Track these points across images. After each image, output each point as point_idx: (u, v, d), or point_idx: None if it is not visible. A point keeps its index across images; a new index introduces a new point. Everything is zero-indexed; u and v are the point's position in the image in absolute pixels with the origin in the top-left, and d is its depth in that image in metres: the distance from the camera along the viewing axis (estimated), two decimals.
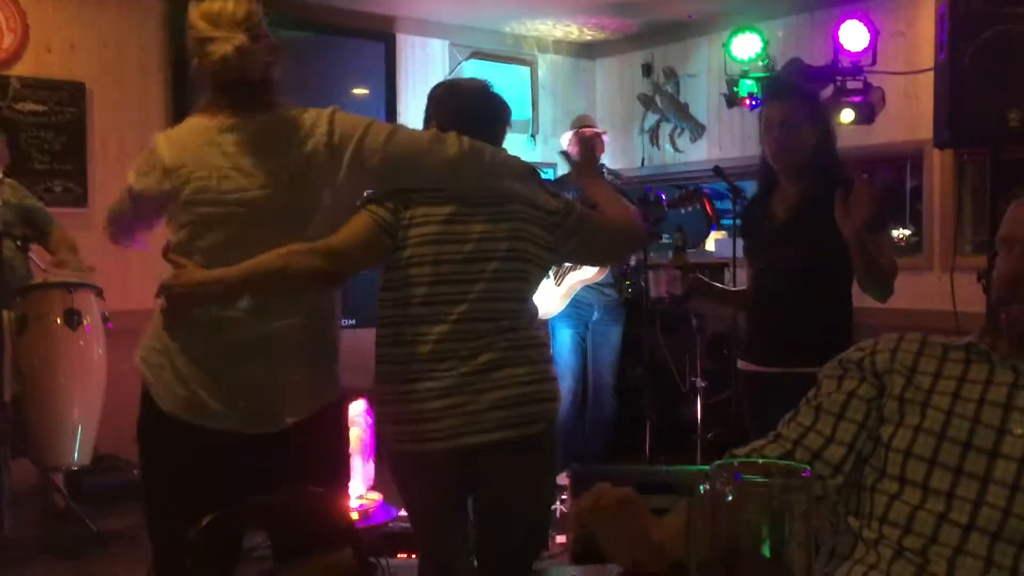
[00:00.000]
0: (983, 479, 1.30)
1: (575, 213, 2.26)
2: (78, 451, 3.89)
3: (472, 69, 6.22)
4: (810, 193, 2.73)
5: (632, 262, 5.08)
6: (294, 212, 2.05)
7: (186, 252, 2.02)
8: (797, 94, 2.99)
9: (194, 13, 2.19)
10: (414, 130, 2.22)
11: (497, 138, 2.29)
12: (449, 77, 6.07)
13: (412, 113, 5.97)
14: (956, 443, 1.33)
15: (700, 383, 4.64)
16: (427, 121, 2.32)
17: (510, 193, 2.19)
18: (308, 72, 5.37)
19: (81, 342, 3.94)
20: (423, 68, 6.07)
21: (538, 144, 6.57)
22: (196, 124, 2.11)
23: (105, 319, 4.08)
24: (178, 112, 5.13)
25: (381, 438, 2.25)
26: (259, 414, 2.02)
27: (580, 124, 5.04)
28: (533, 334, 2.21)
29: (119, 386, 4.45)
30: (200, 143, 2.06)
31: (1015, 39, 3.33)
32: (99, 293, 4.08)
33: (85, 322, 3.92)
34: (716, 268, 4.81)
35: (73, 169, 4.95)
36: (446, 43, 6.16)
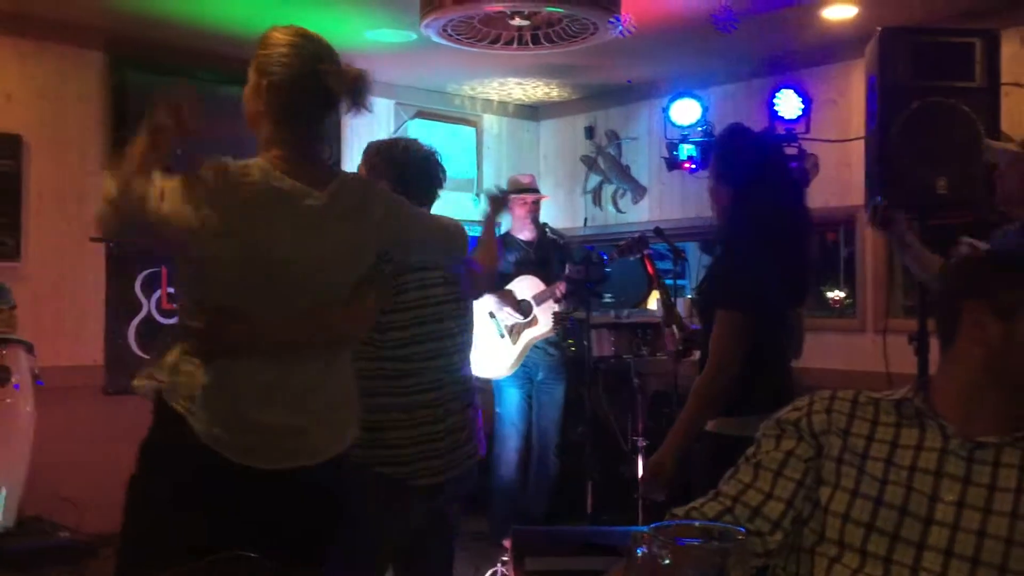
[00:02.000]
0: (919, 545, 1.32)
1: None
2: (1, 513, 3.74)
3: (417, 128, 6.26)
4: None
5: (569, 322, 5.12)
6: None
7: None
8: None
9: None
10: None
11: (432, 192, 2.61)
12: (395, 135, 6.11)
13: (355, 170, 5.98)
14: (892, 509, 1.34)
15: (641, 442, 4.65)
16: (369, 173, 2.43)
17: None
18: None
19: (8, 399, 3.82)
20: (368, 126, 6.08)
21: (482, 202, 6.61)
22: None
23: (35, 376, 3.96)
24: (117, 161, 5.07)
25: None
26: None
27: (516, 186, 5.07)
28: None
29: (49, 444, 4.32)
30: None
31: (941, 110, 3.47)
32: (29, 349, 3.97)
33: (13, 379, 3.81)
34: (656, 327, 4.85)
35: (7, 222, 4.84)
36: (391, 102, 6.20)
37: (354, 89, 2.03)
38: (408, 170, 2.43)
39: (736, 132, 3.03)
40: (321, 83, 1.99)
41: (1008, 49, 4.08)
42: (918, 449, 1.39)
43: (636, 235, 4.66)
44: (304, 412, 1.98)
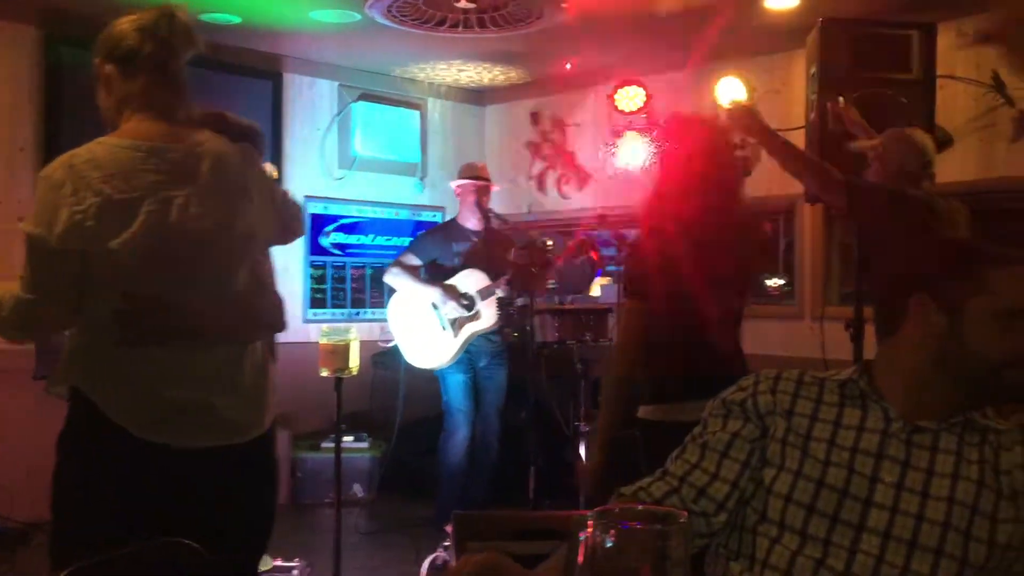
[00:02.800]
0: (858, 527, 1.34)
1: None
2: None
3: (361, 111, 6.19)
4: None
5: (516, 306, 5.11)
6: None
7: None
8: None
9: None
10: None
11: None
12: (337, 121, 6.04)
13: (299, 152, 5.90)
14: (833, 491, 1.37)
15: (584, 427, 4.67)
16: None
17: None
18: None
19: None
20: (311, 108, 6.02)
21: (426, 187, 6.58)
22: None
23: None
24: (49, 143, 4.93)
25: None
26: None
27: (472, 173, 5.07)
28: None
29: None
30: None
31: (879, 100, 3.54)
32: None
33: None
34: (600, 313, 4.88)
35: None
36: (335, 84, 6.13)
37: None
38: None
39: (674, 121, 3.05)
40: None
41: (944, 41, 4.17)
42: (860, 430, 1.41)
43: (580, 239, 4.67)
44: (213, 390, 1.97)
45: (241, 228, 2.00)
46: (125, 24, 2.02)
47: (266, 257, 2.16)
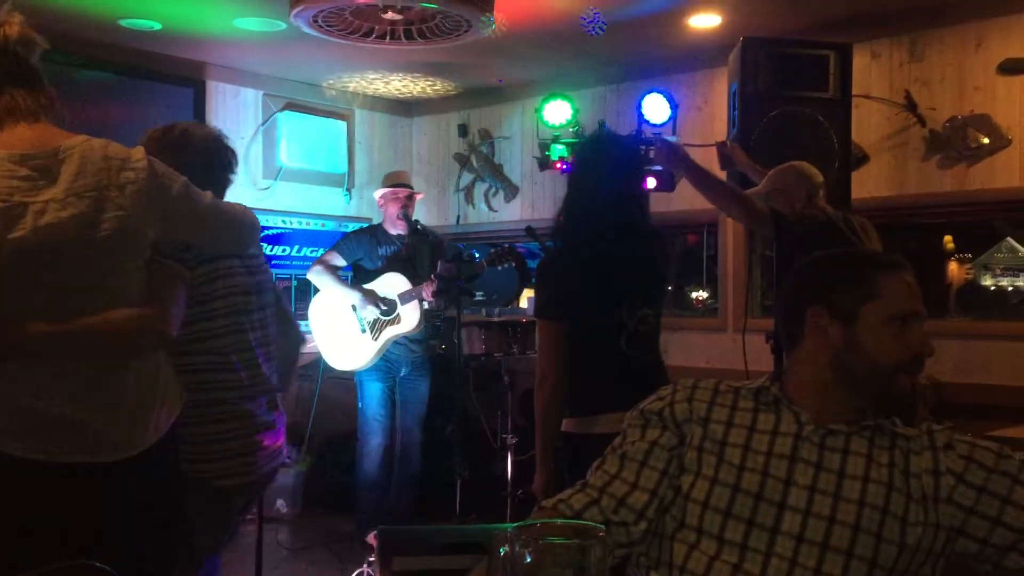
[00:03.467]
0: (772, 531, 1.36)
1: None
2: None
3: (287, 120, 6.12)
4: None
5: (440, 320, 5.09)
6: None
7: None
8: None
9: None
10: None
11: (225, 186, 2.44)
12: (262, 130, 5.95)
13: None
14: (749, 495, 1.39)
15: (511, 440, 4.68)
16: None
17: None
18: (110, 115, 5.12)
19: None
20: (235, 116, 5.92)
21: (353, 198, 6.53)
22: None
23: None
24: None
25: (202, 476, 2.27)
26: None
27: (394, 181, 5.04)
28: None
29: None
30: None
31: (798, 118, 3.63)
32: None
33: None
34: (527, 326, 4.90)
35: None
36: (260, 93, 6.04)
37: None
38: (187, 156, 2.30)
39: (595, 139, 3.10)
40: None
41: (860, 62, 4.31)
42: (774, 434, 1.44)
43: (506, 246, 4.67)
44: (83, 405, 1.88)
45: (107, 231, 1.87)
46: None
47: (166, 266, 2.04)
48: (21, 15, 1.97)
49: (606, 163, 2.77)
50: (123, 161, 1.93)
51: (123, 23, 4.87)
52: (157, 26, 4.96)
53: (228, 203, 2.30)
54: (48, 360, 1.86)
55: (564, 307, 2.65)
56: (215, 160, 2.39)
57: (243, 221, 2.29)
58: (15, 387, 1.86)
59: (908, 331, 1.43)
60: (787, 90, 3.66)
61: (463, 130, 6.56)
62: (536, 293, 2.79)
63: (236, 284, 2.36)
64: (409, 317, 4.73)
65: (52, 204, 1.82)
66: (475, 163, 6.51)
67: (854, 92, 3.84)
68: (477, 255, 4.74)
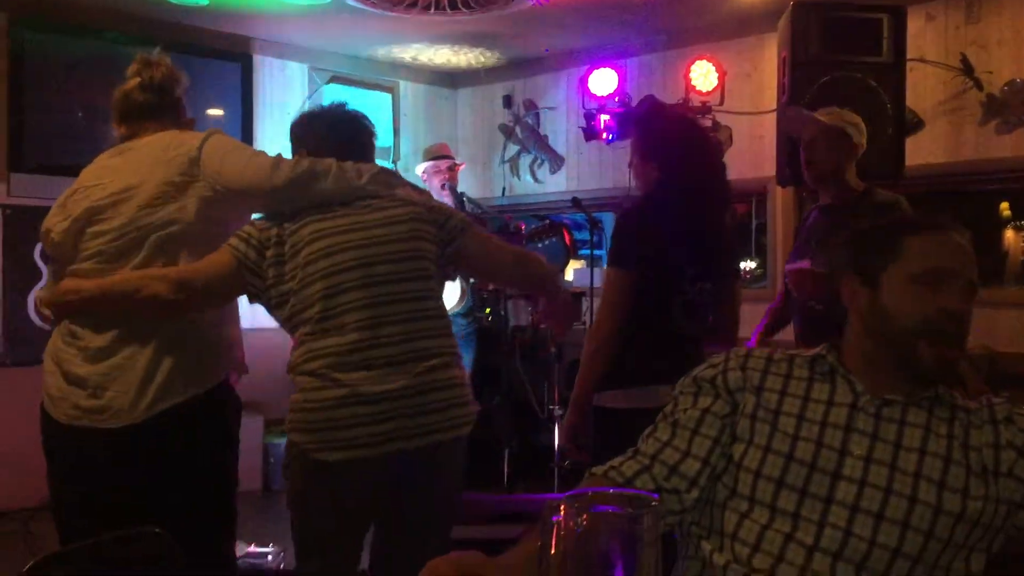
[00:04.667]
0: (826, 500, 1.35)
1: (458, 218, 2.27)
2: None
3: (332, 93, 6.14)
4: None
5: (486, 291, 5.11)
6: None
7: None
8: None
9: None
10: (250, 156, 2.24)
11: (365, 153, 2.35)
12: (308, 103, 5.99)
13: (269, 135, 5.84)
14: (803, 464, 1.38)
15: (558, 411, 4.69)
16: (294, 152, 2.33)
17: (395, 197, 2.22)
18: None
19: None
20: (281, 91, 5.96)
21: (398, 170, 6.54)
22: None
23: None
24: (14, 131, 4.86)
25: (292, 448, 2.12)
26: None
27: (435, 154, 5.05)
28: (449, 340, 2.19)
29: None
30: None
31: (850, 84, 3.55)
32: None
33: None
34: (574, 297, 4.89)
35: None
36: (306, 66, 6.07)
37: None
38: (321, 137, 2.31)
39: (656, 109, 3.06)
40: None
41: (914, 25, 4.20)
42: (829, 404, 1.42)
43: (547, 221, 4.65)
44: (95, 371, 2.09)
45: (140, 202, 2.14)
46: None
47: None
48: (167, 56, 2.36)
49: (694, 135, 2.82)
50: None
51: (172, 0, 4.92)
52: (205, 2, 5.00)
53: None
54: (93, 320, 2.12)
55: (636, 258, 2.63)
56: (347, 141, 2.35)
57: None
58: (54, 354, 2.13)
59: (933, 292, 1.38)
60: (839, 55, 3.58)
61: (508, 101, 6.54)
62: (612, 241, 2.78)
63: (329, 246, 2.25)
64: (451, 292, 4.75)
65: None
66: (520, 134, 6.49)
67: (908, 56, 3.75)
68: (523, 227, 4.74)
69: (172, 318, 2.10)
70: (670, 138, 2.80)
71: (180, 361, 2.10)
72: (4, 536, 4.25)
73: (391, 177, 2.28)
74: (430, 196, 2.30)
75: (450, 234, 2.21)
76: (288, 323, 2.13)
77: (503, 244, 2.40)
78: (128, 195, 2.15)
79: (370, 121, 2.43)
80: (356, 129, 2.38)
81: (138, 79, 2.31)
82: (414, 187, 2.34)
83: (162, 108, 2.32)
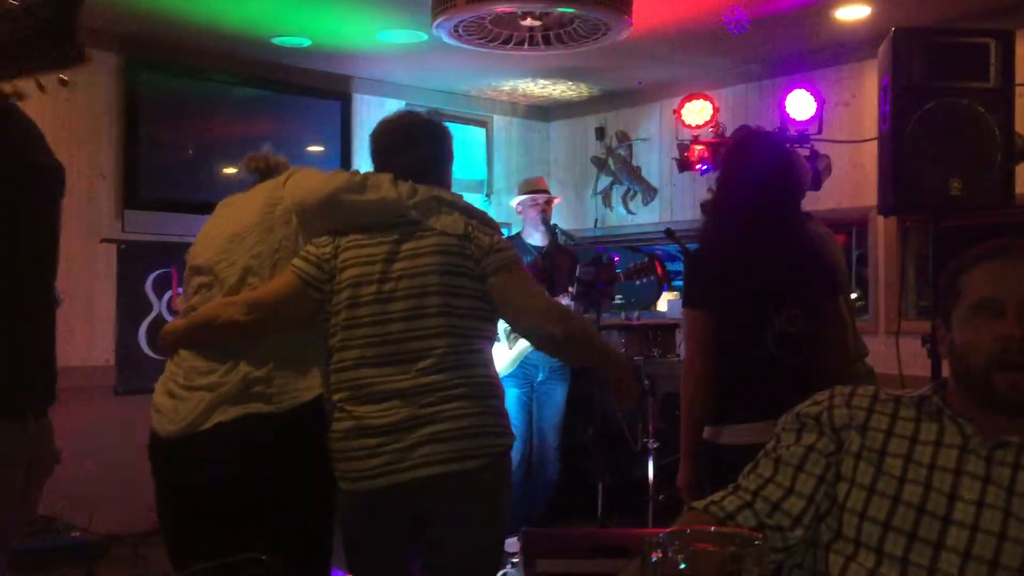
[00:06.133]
0: (936, 545, 1.30)
1: (500, 256, 2.20)
2: None
3: None
4: None
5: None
6: None
7: None
8: None
9: None
10: (315, 171, 2.39)
11: (425, 160, 2.31)
12: None
13: (366, 170, 5.98)
14: (911, 507, 1.33)
15: (652, 444, 4.63)
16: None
17: (428, 227, 2.20)
18: (266, 129, 5.37)
19: None
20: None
21: (492, 204, 6.62)
22: None
23: None
24: (128, 170, 5.09)
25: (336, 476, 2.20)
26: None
27: (532, 187, 5.08)
28: (470, 372, 2.16)
29: (61, 444, 4.33)
30: None
31: (955, 110, 3.44)
32: None
33: None
34: (668, 329, 4.84)
35: None
36: (402, 103, 6.20)
37: None
38: (378, 146, 2.38)
39: (748, 136, 3.02)
40: None
41: (1023, 49, 4.06)
42: (937, 445, 1.37)
43: (645, 260, 4.61)
44: (182, 388, 2.22)
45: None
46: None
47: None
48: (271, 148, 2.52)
49: (754, 159, 2.74)
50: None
51: (275, 41, 5.11)
52: (307, 43, 5.17)
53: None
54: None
55: (708, 297, 2.62)
56: (393, 141, 2.42)
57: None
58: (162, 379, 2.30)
59: (992, 322, 1.34)
60: (943, 81, 3.47)
61: (600, 133, 6.55)
62: (684, 283, 2.78)
63: (357, 275, 2.39)
64: None
65: None
66: (613, 166, 6.49)
67: (1018, 81, 3.62)
68: (616, 258, 4.71)
69: (254, 340, 2.19)
70: (735, 160, 2.78)
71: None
72: (114, 560, 4.40)
73: (438, 204, 2.23)
74: (491, 229, 2.24)
75: (484, 271, 2.19)
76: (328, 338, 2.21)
77: (542, 294, 2.33)
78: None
79: (427, 123, 2.38)
80: (404, 134, 2.35)
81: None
82: (470, 214, 2.24)
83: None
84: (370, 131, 2.49)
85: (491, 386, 2.22)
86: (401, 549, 2.20)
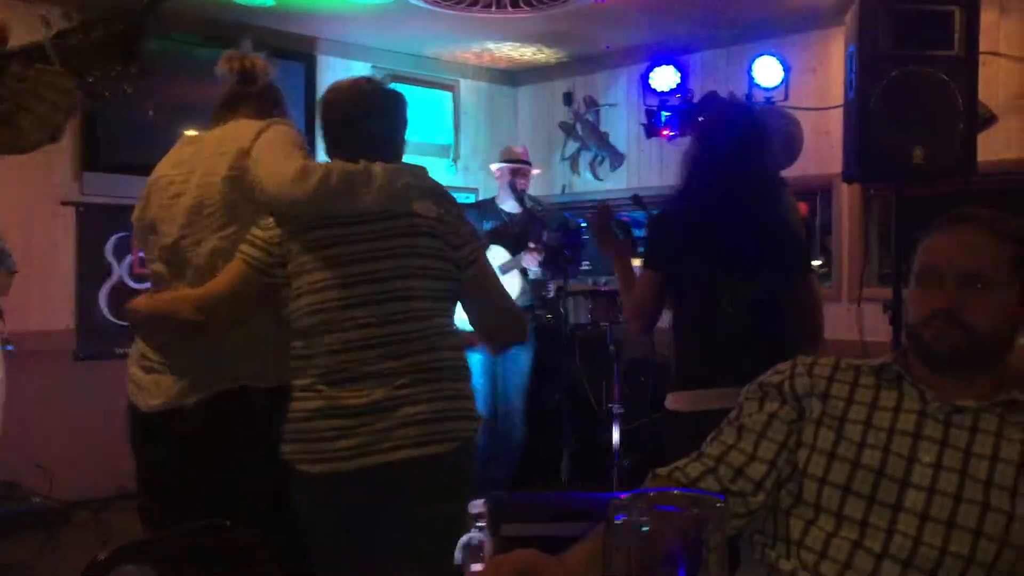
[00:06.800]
0: (895, 507, 1.33)
1: (477, 254, 2.18)
2: None
3: None
4: None
5: (552, 291, 5.11)
6: None
7: None
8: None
9: None
10: (280, 159, 2.10)
11: (381, 134, 2.21)
12: None
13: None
14: (869, 471, 1.35)
15: (617, 409, 4.67)
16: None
17: (400, 210, 2.10)
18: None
19: None
20: None
21: (459, 169, 6.58)
22: None
23: (5, 341, 3.91)
24: (87, 126, 4.99)
25: (287, 457, 2.11)
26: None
27: (515, 157, 5.11)
28: (443, 356, 2.12)
29: (21, 410, 4.28)
30: None
31: (920, 80, 3.46)
32: None
33: None
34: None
35: None
36: (368, 65, 6.13)
37: None
38: (326, 127, 2.27)
39: (722, 103, 3.03)
40: None
41: (987, 18, 4.08)
42: (896, 411, 1.40)
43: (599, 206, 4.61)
44: (159, 363, 2.21)
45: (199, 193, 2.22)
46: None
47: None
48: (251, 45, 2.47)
49: (722, 128, 2.75)
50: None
51: (239, 0, 5.01)
52: (271, 2, 5.08)
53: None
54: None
55: (662, 259, 2.67)
56: (342, 119, 2.28)
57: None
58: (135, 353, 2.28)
59: (929, 290, 1.42)
60: (908, 49, 3.49)
61: (568, 98, 6.52)
62: (648, 242, 2.80)
63: (322, 259, 2.33)
64: (510, 289, 4.75)
65: None
66: (580, 131, 6.47)
67: (981, 50, 3.64)
68: (583, 224, 4.72)
69: (209, 339, 2.13)
70: (730, 131, 2.77)
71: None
72: (78, 525, 4.38)
73: (413, 185, 2.13)
74: (459, 210, 2.20)
75: (463, 260, 2.15)
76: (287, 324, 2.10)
77: (497, 288, 2.29)
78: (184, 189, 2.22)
79: (388, 93, 2.26)
80: (355, 105, 2.24)
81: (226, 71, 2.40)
82: (440, 195, 2.17)
83: (239, 98, 2.38)
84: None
85: (463, 368, 2.20)
86: (358, 534, 2.14)
